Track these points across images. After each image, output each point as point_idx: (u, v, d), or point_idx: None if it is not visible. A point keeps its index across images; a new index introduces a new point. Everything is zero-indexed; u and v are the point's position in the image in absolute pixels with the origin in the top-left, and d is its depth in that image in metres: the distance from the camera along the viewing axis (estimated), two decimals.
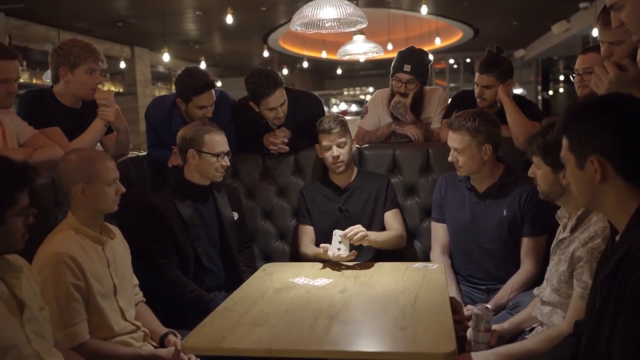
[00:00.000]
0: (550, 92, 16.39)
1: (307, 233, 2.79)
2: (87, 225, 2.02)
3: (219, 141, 2.55)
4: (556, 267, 1.90)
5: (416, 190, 2.96)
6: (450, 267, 2.62)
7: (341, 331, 1.73)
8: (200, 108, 2.79)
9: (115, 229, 2.19)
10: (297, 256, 2.84)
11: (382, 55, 5.47)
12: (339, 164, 2.73)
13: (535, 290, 2.05)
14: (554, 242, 2.01)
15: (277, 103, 2.83)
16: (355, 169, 2.85)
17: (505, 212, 2.47)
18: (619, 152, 1.31)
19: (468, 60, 16.18)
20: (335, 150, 2.70)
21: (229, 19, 7.51)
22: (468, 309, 2.35)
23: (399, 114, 3.14)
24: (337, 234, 2.44)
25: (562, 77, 15.63)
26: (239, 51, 13.37)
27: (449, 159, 2.49)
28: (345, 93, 21.02)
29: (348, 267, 2.42)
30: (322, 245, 2.50)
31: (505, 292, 2.40)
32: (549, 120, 1.93)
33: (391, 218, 2.78)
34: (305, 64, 13.91)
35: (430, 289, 2.07)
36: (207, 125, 2.58)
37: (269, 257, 3.06)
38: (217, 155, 2.53)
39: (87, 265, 1.93)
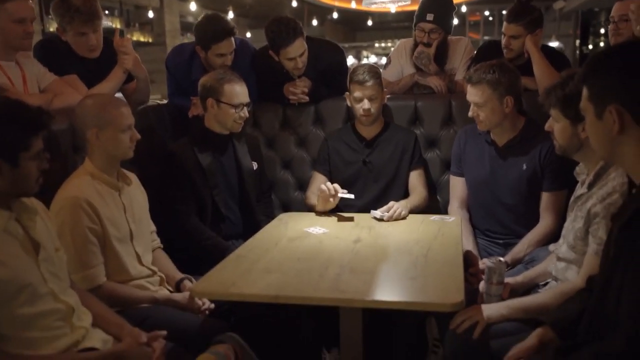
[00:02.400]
0: (590, 47, 15.80)
1: (318, 181, 2.74)
2: (103, 171, 2.05)
3: (238, 92, 2.53)
4: (572, 224, 1.86)
5: (437, 143, 2.92)
6: (468, 221, 2.59)
7: (350, 280, 1.74)
8: (219, 56, 2.76)
9: (132, 176, 2.21)
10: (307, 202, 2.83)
11: (414, 6, 5.30)
12: (368, 117, 2.68)
13: (552, 247, 2.02)
14: (572, 198, 1.96)
15: (296, 53, 2.78)
16: (383, 121, 2.80)
17: (525, 167, 2.42)
18: (638, 100, 1.26)
19: (504, 12, 15.64)
20: (367, 104, 2.64)
21: None
22: (484, 263, 2.33)
23: (422, 64, 3.07)
24: (375, 214, 2.43)
25: (602, 31, 15.03)
26: (268, 1, 13.17)
27: (470, 114, 2.43)
28: (377, 45, 20.59)
29: (364, 219, 2.42)
30: (321, 187, 2.49)
31: (523, 246, 2.37)
32: (569, 72, 1.86)
33: (416, 178, 2.73)
34: (335, 15, 13.65)
35: (444, 242, 2.06)
36: (228, 75, 2.55)
37: (287, 207, 3.07)
38: (236, 106, 2.51)
39: (103, 210, 1.97)
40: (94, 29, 2.55)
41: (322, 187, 2.45)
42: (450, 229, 2.23)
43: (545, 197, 2.40)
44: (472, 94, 2.40)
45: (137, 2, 10.59)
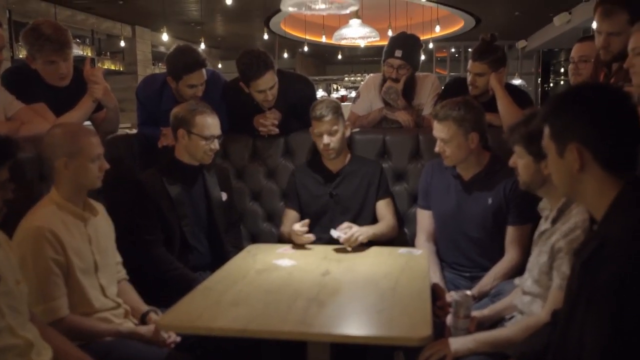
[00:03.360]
0: (551, 85, 16.32)
1: (290, 218, 2.77)
2: (69, 201, 2.02)
3: (210, 123, 2.54)
4: (537, 258, 1.90)
5: (405, 176, 2.96)
6: (435, 254, 2.62)
7: (318, 313, 1.74)
8: (190, 87, 2.77)
9: (99, 206, 2.19)
10: (283, 238, 2.84)
11: (383, 41, 5.44)
12: (330, 152, 2.71)
13: (517, 280, 2.06)
14: (536, 233, 2.00)
15: (266, 85, 2.81)
16: (349, 155, 2.84)
17: (490, 201, 2.46)
18: (597, 140, 1.31)
19: (470, 49, 16.06)
20: (326, 139, 2.68)
21: (229, 0, 7.44)
22: (451, 296, 2.36)
23: (390, 99, 3.13)
24: (333, 233, 2.44)
25: (562, 69, 15.54)
26: (240, 33, 13.28)
27: (436, 149, 2.48)
28: (346, 79, 20.85)
29: (332, 251, 2.42)
30: (294, 226, 2.52)
31: (489, 279, 2.40)
32: (532, 110, 1.93)
33: (384, 207, 2.76)
34: (306, 48, 13.83)
35: (412, 275, 2.08)
36: (200, 106, 2.56)
37: (256, 238, 3.06)
38: (207, 138, 2.52)
39: (67, 241, 1.93)
40: (64, 57, 2.54)
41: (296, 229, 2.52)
42: (418, 262, 2.25)
43: (510, 231, 2.45)
44: (439, 130, 2.45)
45: (109, 31, 10.55)
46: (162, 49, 12.94)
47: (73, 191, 2.03)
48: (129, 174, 2.70)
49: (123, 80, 10.36)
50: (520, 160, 1.93)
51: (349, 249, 2.41)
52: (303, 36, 13.45)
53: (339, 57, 16.79)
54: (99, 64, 9.54)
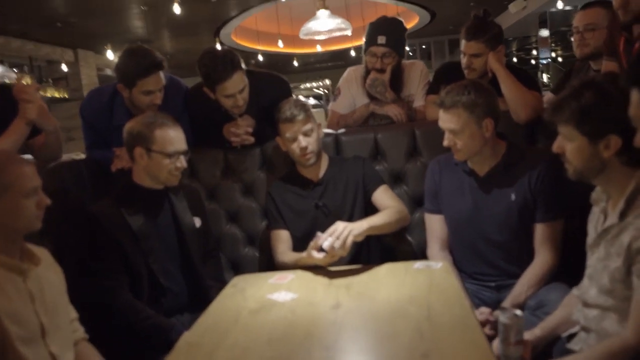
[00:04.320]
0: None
1: (282, 239, 2.37)
2: (0, 251, 1.56)
3: (173, 137, 2.11)
4: (604, 262, 1.53)
5: (404, 178, 2.58)
6: (452, 264, 2.24)
7: None
8: (146, 94, 2.33)
9: (42, 252, 1.72)
10: (269, 264, 2.42)
11: (338, 45, 5.04)
12: (308, 156, 2.32)
13: (575, 291, 1.68)
14: (592, 229, 1.64)
15: (235, 89, 2.40)
16: (327, 157, 2.45)
17: (513, 197, 2.10)
18: None
19: (424, 46, 15.94)
20: (303, 140, 2.29)
21: (177, 9, 6.98)
22: (482, 313, 1.98)
23: (377, 92, 2.76)
24: (320, 236, 2.02)
25: (515, 60, 15.54)
26: (190, 48, 12.75)
27: (445, 143, 2.11)
28: (302, 87, 20.54)
29: (335, 274, 2.01)
30: (310, 247, 2.07)
31: (522, 288, 2.03)
32: (582, 81, 1.56)
33: (381, 197, 2.36)
34: (260, 58, 13.45)
35: (443, 296, 1.68)
36: (159, 118, 2.12)
37: (237, 266, 2.63)
38: (171, 155, 2.09)
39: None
40: None
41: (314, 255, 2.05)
42: (443, 278, 1.86)
43: (539, 230, 2.09)
44: (447, 120, 2.08)
45: (49, 57, 9.92)
46: (108, 71, 12.32)
47: (4, 237, 1.57)
48: (78, 207, 2.23)
49: (69, 107, 9.68)
50: (570, 144, 1.56)
51: (344, 254, 1.99)
52: (256, 47, 13.08)
53: (295, 64, 16.45)
54: (26, 81, 8.61)
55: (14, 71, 8.81)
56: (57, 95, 10.09)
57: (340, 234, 1.96)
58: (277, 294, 1.86)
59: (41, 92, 8.84)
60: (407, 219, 2.31)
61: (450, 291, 1.72)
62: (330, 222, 2.33)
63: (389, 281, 1.88)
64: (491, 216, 2.14)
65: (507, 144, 2.16)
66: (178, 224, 2.20)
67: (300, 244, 2.34)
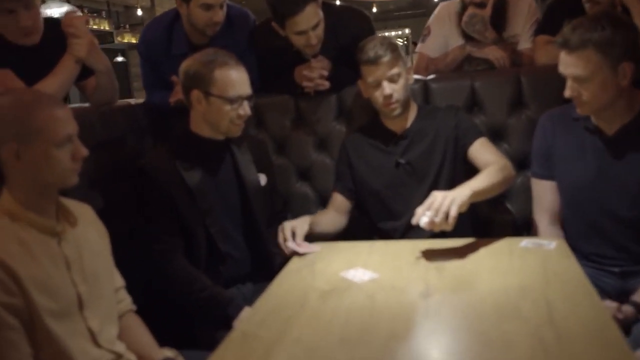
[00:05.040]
0: None
1: (336, 204, 2.09)
2: (30, 208, 1.32)
3: (235, 80, 1.79)
4: None
5: (505, 134, 2.17)
6: (561, 238, 1.86)
7: None
8: (205, 8, 2.04)
9: (83, 209, 1.49)
10: (344, 230, 2.10)
11: None
12: (393, 105, 1.96)
13: None
14: None
15: (308, 24, 2.04)
16: (415, 107, 2.07)
17: None
18: None
19: None
20: (387, 87, 1.92)
21: None
22: (608, 307, 1.60)
23: (475, 31, 2.33)
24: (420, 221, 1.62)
25: None
26: None
27: (567, 93, 1.68)
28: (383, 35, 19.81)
29: (419, 250, 1.66)
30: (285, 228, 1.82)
31: None
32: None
33: (480, 151, 1.96)
34: (337, 2, 12.93)
35: (565, 289, 1.31)
36: (220, 56, 1.81)
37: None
38: (233, 100, 1.78)
39: (26, 272, 1.24)
40: (25, 3, 1.83)
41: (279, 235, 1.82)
42: (561, 264, 1.49)
43: None
44: (572, 65, 1.65)
45: (125, 2, 9.84)
46: None
47: (34, 193, 1.33)
48: (133, 158, 1.98)
49: None
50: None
51: (448, 229, 1.58)
52: None
53: (374, 10, 15.76)
54: (79, 12, 8.34)
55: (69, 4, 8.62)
56: (134, 40, 10.04)
57: (440, 205, 1.57)
58: (354, 271, 1.55)
59: (79, 12, 8.67)
60: (513, 176, 1.90)
61: (573, 283, 1.35)
62: (413, 182, 2.00)
63: (490, 263, 1.53)
64: (621, 186, 1.72)
65: None
66: (241, 180, 1.92)
67: (376, 205, 2.02)
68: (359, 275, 1.52)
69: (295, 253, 1.76)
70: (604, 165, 1.74)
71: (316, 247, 1.78)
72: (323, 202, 2.33)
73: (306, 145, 2.34)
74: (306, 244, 1.78)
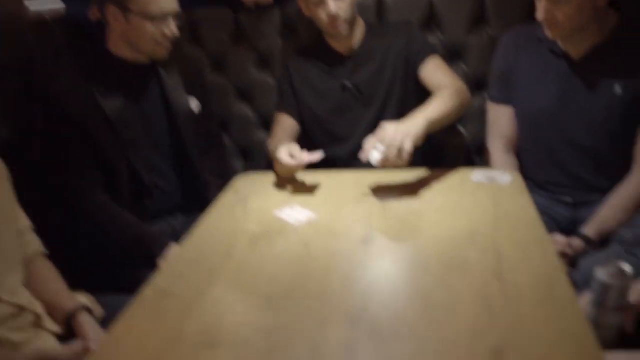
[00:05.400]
0: None
1: (285, 127, 1.89)
2: None
3: None
4: None
5: (463, 53, 1.99)
6: (518, 170, 1.75)
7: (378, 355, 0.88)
8: None
9: None
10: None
11: None
12: (340, 27, 1.74)
13: None
14: None
15: None
16: (363, 25, 1.86)
17: (618, 90, 1.53)
18: None
19: None
20: (333, 5, 1.69)
21: None
22: (557, 242, 1.51)
23: None
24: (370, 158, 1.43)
25: None
26: None
27: (540, 16, 1.50)
28: None
29: (366, 184, 1.52)
30: (280, 154, 1.55)
31: (612, 210, 1.54)
32: None
33: (434, 72, 1.77)
34: None
35: (517, 236, 1.19)
36: None
37: (248, 154, 2.20)
38: (156, 18, 1.55)
39: None
40: None
41: (282, 159, 1.54)
42: (516, 203, 1.37)
43: None
44: None
45: None
46: None
47: None
48: (45, 83, 1.73)
49: None
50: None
51: (403, 165, 1.40)
52: None
53: None
54: None
55: None
56: None
57: (392, 140, 1.38)
58: (290, 210, 1.40)
59: None
60: (469, 102, 1.73)
61: (525, 228, 1.23)
62: (360, 107, 1.84)
63: (439, 202, 1.39)
64: (583, 113, 1.59)
65: (620, 16, 1.55)
66: (169, 106, 1.72)
67: (320, 131, 1.86)
68: (295, 215, 1.38)
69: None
70: (567, 91, 1.60)
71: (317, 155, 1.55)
72: (264, 124, 2.16)
73: (246, 63, 2.12)
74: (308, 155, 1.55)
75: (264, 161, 2.08)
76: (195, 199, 1.76)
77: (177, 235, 1.57)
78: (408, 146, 1.37)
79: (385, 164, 1.37)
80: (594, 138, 1.60)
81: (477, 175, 1.54)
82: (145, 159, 1.67)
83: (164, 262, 1.49)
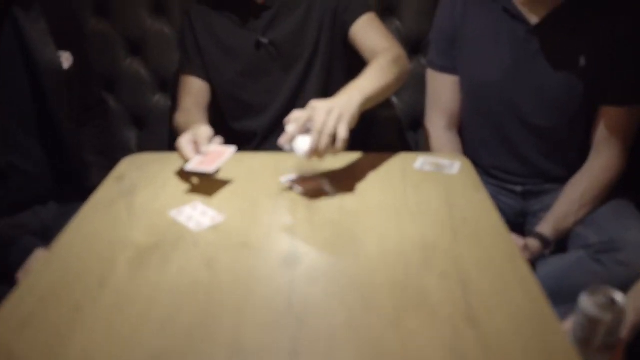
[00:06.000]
0: None
1: (192, 91, 1.54)
2: None
3: None
4: None
5: (396, 9, 1.70)
6: (458, 146, 1.52)
7: None
8: None
9: None
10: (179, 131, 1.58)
11: None
12: None
13: None
14: None
15: None
16: None
17: (583, 61, 1.31)
18: None
19: None
20: None
21: None
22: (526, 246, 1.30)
23: None
24: (296, 148, 1.09)
25: None
26: None
27: None
28: None
29: (285, 168, 1.22)
30: (181, 141, 1.19)
31: (571, 204, 1.35)
32: None
33: (366, 32, 1.47)
34: None
35: (489, 257, 0.93)
36: None
37: (141, 123, 1.83)
38: None
39: None
40: None
41: (183, 150, 1.18)
42: (471, 201, 1.11)
43: (610, 116, 1.34)
44: None
45: None
46: None
47: None
48: None
49: None
50: None
51: (336, 154, 1.09)
52: None
53: None
54: None
55: None
56: None
57: (323, 126, 1.06)
58: (190, 209, 1.08)
59: None
60: (408, 71, 1.41)
61: (492, 239, 0.98)
62: (278, 70, 1.51)
63: (378, 200, 1.11)
64: (538, 88, 1.36)
65: None
66: (30, 62, 1.31)
67: (228, 101, 1.53)
68: (197, 216, 1.05)
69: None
70: (522, 59, 1.36)
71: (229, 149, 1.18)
72: (160, 84, 1.80)
73: (138, 8, 1.73)
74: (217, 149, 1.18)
75: (166, 131, 1.73)
76: (72, 182, 1.39)
77: (48, 233, 1.24)
78: (343, 132, 1.07)
79: (315, 155, 1.07)
80: (551, 117, 1.38)
81: (419, 161, 1.28)
82: None
83: (24, 274, 1.14)
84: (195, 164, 1.12)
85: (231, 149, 1.17)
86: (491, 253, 0.93)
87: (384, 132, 1.76)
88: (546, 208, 1.40)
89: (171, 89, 1.75)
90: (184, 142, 1.17)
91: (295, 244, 0.97)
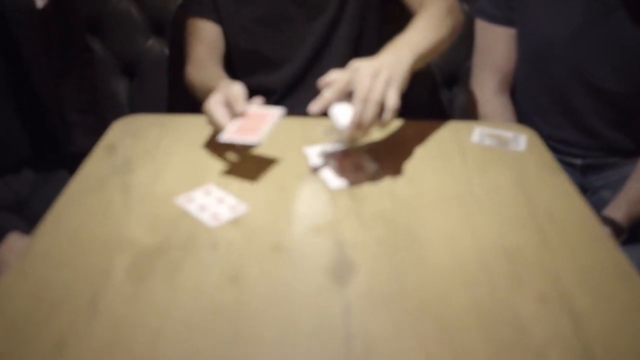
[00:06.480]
0: None
1: (205, 39, 1.26)
2: None
3: None
4: None
5: None
6: (511, 113, 1.29)
7: None
8: None
9: None
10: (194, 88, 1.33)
11: None
12: None
13: None
14: None
15: None
16: None
17: None
18: None
19: None
20: None
21: None
22: None
23: None
24: (335, 119, 0.86)
25: None
26: None
27: None
28: None
29: (310, 136, 1.00)
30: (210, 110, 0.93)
31: None
32: None
33: None
34: None
35: (593, 274, 0.73)
36: None
37: (133, 72, 1.57)
38: None
39: None
40: None
41: (215, 116, 0.91)
42: (554, 188, 0.90)
43: None
44: None
45: None
46: None
47: None
48: None
49: None
50: None
51: (383, 127, 0.87)
52: None
53: None
54: None
55: None
56: None
57: (370, 92, 0.82)
58: (202, 194, 0.85)
59: None
60: (461, 22, 1.13)
61: (589, 243, 0.78)
62: (302, 17, 1.25)
63: (436, 185, 0.89)
64: (615, 48, 1.13)
65: None
66: None
67: (241, 47, 1.28)
68: (212, 204, 0.83)
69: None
70: (594, 16, 1.14)
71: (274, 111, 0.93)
72: (155, 26, 1.53)
73: None
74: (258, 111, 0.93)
75: (163, 83, 1.49)
76: (51, 147, 1.16)
77: (22, 208, 1.09)
78: (393, 100, 0.83)
79: (358, 128, 0.84)
80: (621, 81, 1.17)
81: (476, 133, 1.05)
82: None
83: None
84: (232, 133, 0.87)
85: (277, 111, 0.92)
86: (593, 264, 0.73)
87: (415, 91, 1.52)
88: (609, 185, 1.21)
89: (168, 33, 1.49)
90: (215, 104, 0.91)
91: (343, 247, 0.75)
